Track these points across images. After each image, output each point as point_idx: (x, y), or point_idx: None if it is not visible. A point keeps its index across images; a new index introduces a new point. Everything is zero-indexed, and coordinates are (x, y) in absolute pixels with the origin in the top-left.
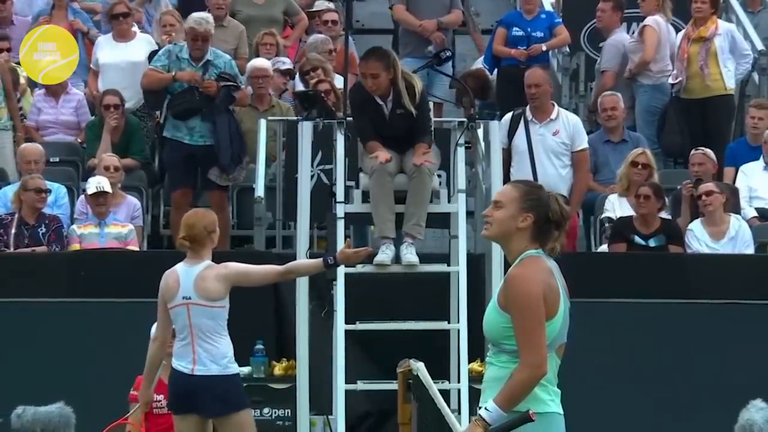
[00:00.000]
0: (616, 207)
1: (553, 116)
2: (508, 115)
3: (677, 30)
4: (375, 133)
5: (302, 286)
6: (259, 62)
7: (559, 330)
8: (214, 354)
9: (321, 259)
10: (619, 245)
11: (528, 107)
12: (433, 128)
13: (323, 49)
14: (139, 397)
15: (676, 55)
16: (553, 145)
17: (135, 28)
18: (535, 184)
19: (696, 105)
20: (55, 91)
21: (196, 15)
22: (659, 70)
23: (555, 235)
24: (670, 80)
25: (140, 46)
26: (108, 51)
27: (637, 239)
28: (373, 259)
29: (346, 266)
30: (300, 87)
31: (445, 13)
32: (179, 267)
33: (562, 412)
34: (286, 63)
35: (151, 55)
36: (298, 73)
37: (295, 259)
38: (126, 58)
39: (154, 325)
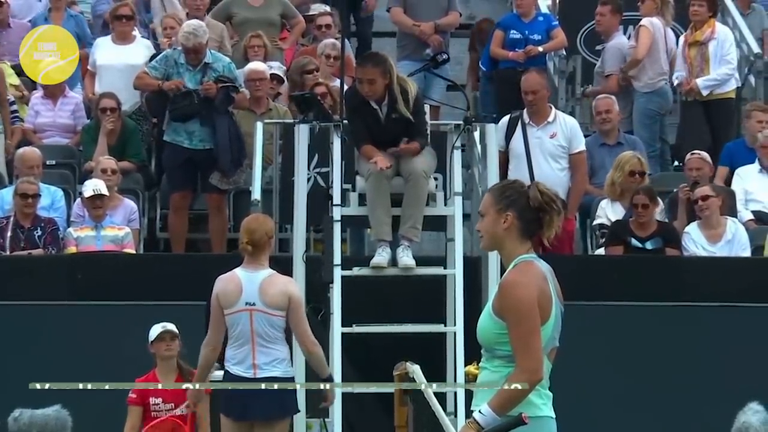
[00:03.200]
0: (608, 212)
1: (550, 119)
2: (506, 118)
3: (677, 36)
4: (370, 137)
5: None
6: (256, 65)
7: (550, 334)
8: (274, 359)
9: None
10: (616, 248)
11: (525, 110)
12: (429, 131)
13: (326, 53)
14: (189, 397)
15: (678, 58)
16: (550, 147)
17: (135, 32)
18: (509, 181)
19: (698, 107)
20: (52, 94)
21: (186, 27)
22: (655, 74)
23: (546, 220)
24: (675, 81)
25: (139, 49)
26: (106, 53)
27: (634, 242)
28: (369, 262)
29: (343, 269)
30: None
31: (443, 15)
32: (239, 272)
33: (554, 415)
34: (273, 67)
35: (152, 59)
36: (289, 76)
37: (291, 262)
38: (124, 60)
39: (153, 328)
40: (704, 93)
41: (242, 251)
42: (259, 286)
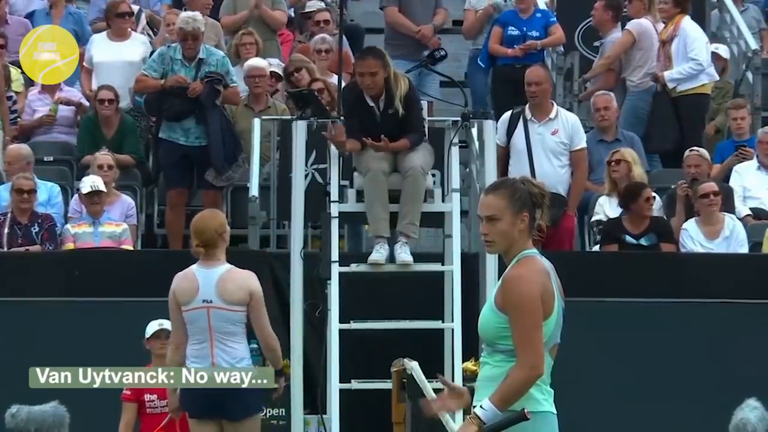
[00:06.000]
0: (606, 208)
1: (552, 115)
2: (507, 114)
3: None
4: (366, 134)
5: (297, 285)
6: (256, 62)
7: (553, 330)
8: (233, 356)
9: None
10: (611, 247)
11: (527, 106)
12: (427, 127)
13: (317, 48)
14: (169, 407)
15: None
16: (551, 144)
17: (130, 29)
18: (508, 180)
19: (667, 101)
20: (51, 90)
21: (183, 15)
22: (646, 74)
23: (539, 214)
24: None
25: (135, 46)
26: (102, 49)
27: (629, 239)
28: (367, 259)
29: (340, 266)
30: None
31: (433, 13)
32: (195, 269)
33: (555, 411)
34: (273, 64)
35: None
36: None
37: (288, 258)
38: (121, 57)
39: (150, 324)
40: (670, 86)
41: (195, 254)
42: (216, 282)
